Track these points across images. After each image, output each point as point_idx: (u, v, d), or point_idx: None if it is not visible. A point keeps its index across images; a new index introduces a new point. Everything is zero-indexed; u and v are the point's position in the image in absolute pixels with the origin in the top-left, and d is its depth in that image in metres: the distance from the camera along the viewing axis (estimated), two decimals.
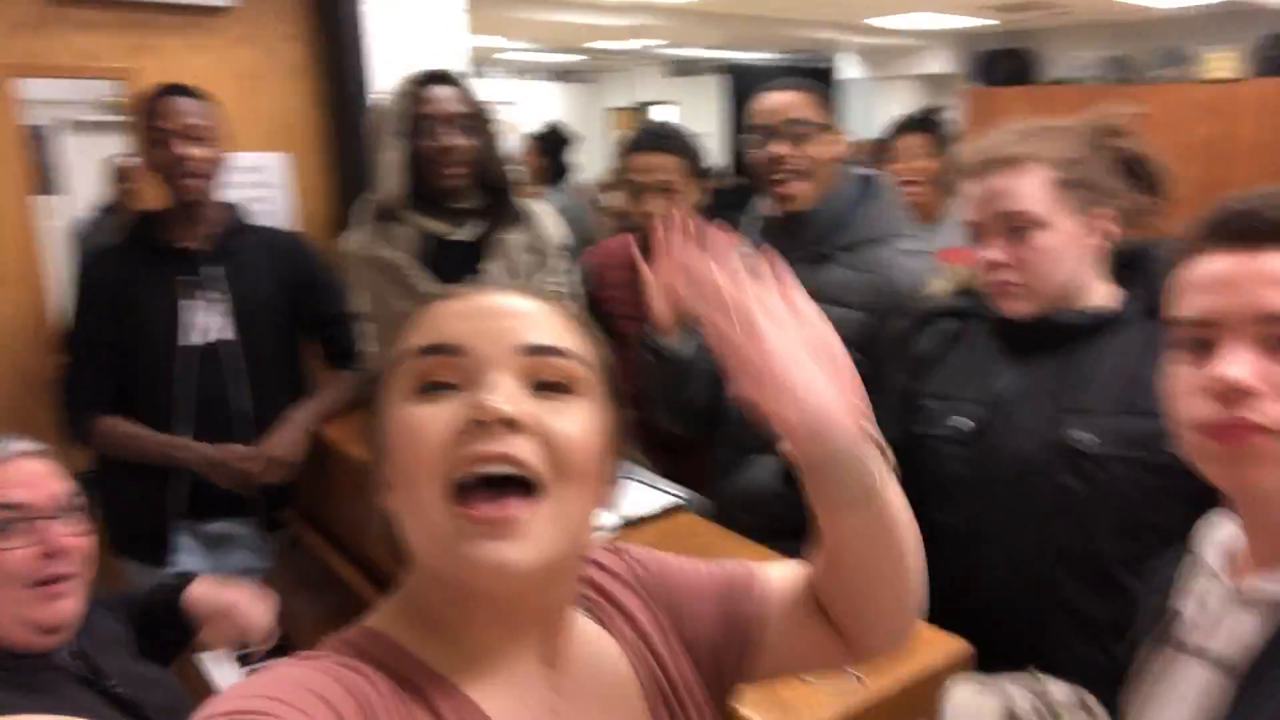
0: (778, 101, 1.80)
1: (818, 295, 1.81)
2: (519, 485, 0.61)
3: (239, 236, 2.14)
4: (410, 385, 0.65)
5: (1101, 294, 1.40)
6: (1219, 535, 0.92)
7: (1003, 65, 9.64)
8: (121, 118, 2.33)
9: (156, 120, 1.99)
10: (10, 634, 1.17)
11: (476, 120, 2.05)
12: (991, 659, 1.28)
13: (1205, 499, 0.91)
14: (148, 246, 2.05)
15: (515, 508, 0.60)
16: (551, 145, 4.68)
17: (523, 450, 0.61)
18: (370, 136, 2.07)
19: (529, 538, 0.61)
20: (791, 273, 1.84)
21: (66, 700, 1.14)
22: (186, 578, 1.55)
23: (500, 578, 0.61)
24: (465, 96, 2.04)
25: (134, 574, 2.10)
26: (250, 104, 2.44)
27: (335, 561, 1.95)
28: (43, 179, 3.89)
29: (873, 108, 11.16)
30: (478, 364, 0.64)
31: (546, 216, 2.19)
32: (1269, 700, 0.77)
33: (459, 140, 2.00)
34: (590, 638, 0.77)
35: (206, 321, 2.06)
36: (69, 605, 1.21)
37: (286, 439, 2.05)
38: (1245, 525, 0.86)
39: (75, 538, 1.22)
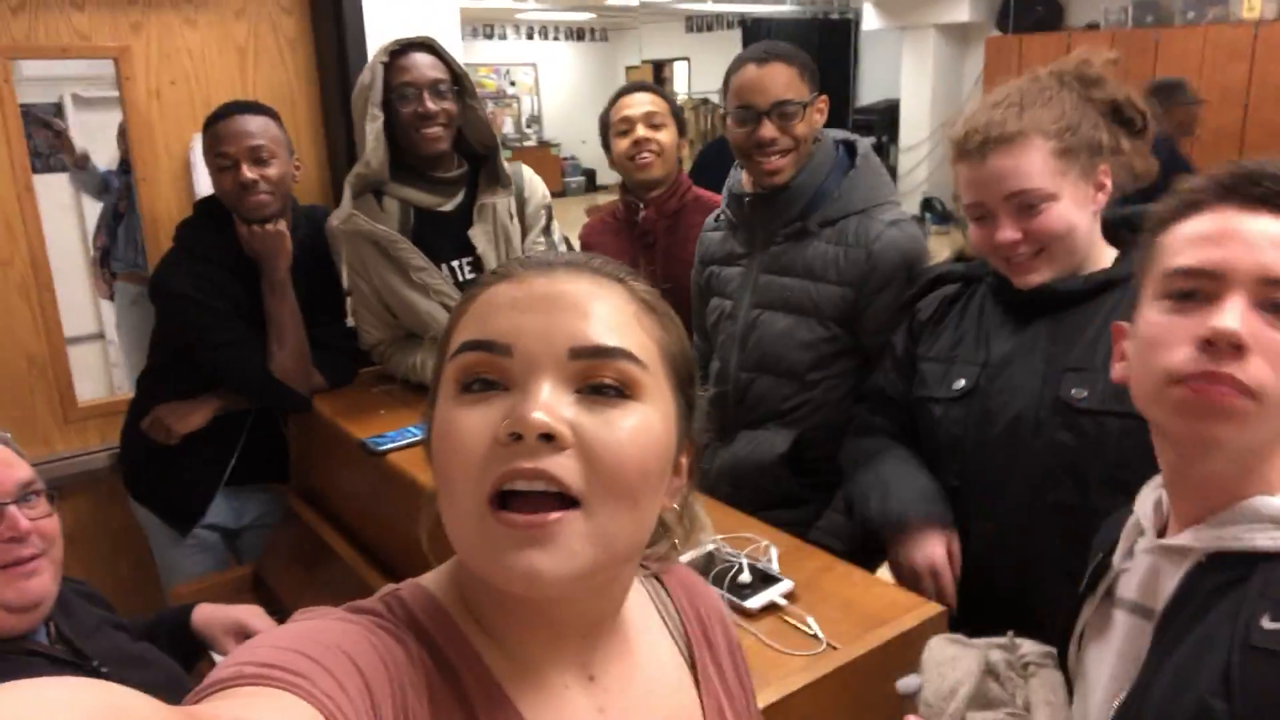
0: (764, 79, 1.73)
1: (800, 271, 1.82)
2: (559, 497, 0.58)
3: (303, 241, 2.15)
4: (457, 380, 0.62)
5: (1104, 255, 1.41)
6: (1156, 494, 0.95)
7: (1028, 12, 9.42)
8: (118, 93, 2.34)
9: (220, 145, 2.00)
10: None
11: (455, 85, 2.06)
12: (981, 613, 1.30)
13: None
14: (229, 266, 2.06)
15: (550, 516, 0.57)
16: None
17: (561, 468, 0.57)
18: (353, 109, 2.06)
19: (562, 548, 0.58)
20: (773, 248, 1.84)
21: None
22: (190, 606, 1.63)
23: (531, 586, 0.58)
24: (443, 62, 2.05)
25: (166, 530, 2.18)
26: (247, 78, 2.44)
27: (330, 537, 1.97)
28: (44, 157, 3.96)
29: (892, 59, 10.97)
30: (524, 366, 0.60)
31: (533, 178, 2.22)
32: (1178, 643, 0.81)
33: (437, 104, 2.01)
34: (661, 663, 0.74)
35: None
36: (38, 584, 1.23)
37: (176, 408, 2.10)
38: (1172, 484, 0.89)
39: (36, 521, 1.24)
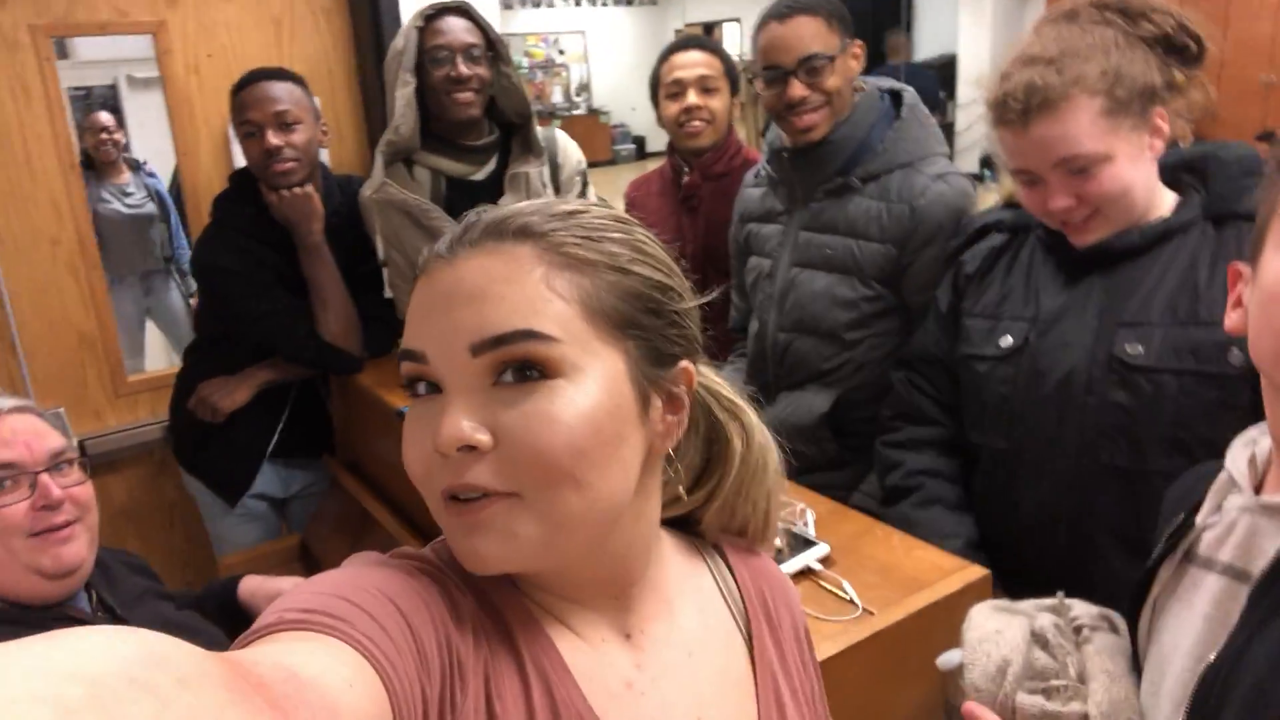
0: (787, 35, 1.65)
1: (841, 229, 1.76)
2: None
3: (338, 211, 2.14)
4: (405, 381, 0.63)
5: (1163, 202, 1.33)
6: (1250, 450, 0.87)
7: None
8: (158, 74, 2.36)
9: (246, 113, 1.98)
10: (20, 586, 1.22)
11: (490, 50, 2.03)
12: (1031, 579, 1.26)
13: (1259, 410, 0.84)
14: (262, 238, 2.06)
15: (489, 506, 0.59)
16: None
17: (484, 476, 0.58)
18: (385, 75, 2.05)
19: (499, 531, 0.59)
20: (814, 204, 1.78)
21: None
22: (237, 577, 1.65)
23: (479, 568, 0.60)
24: (478, 27, 2.01)
25: (206, 501, 2.22)
26: (283, 49, 2.44)
27: (373, 506, 1.98)
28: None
29: (949, 12, 10.65)
30: (440, 371, 0.60)
31: (568, 144, 2.18)
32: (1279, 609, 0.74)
33: (470, 69, 1.98)
34: (708, 628, 0.74)
35: None
36: (74, 549, 1.25)
37: (220, 385, 2.11)
38: None
39: (69, 489, 1.26)
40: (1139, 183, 1.29)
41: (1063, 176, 1.27)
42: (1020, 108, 1.26)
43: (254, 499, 2.21)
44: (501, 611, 0.63)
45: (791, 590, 0.82)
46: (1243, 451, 0.88)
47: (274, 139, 1.96)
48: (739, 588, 0.77)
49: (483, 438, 0.58)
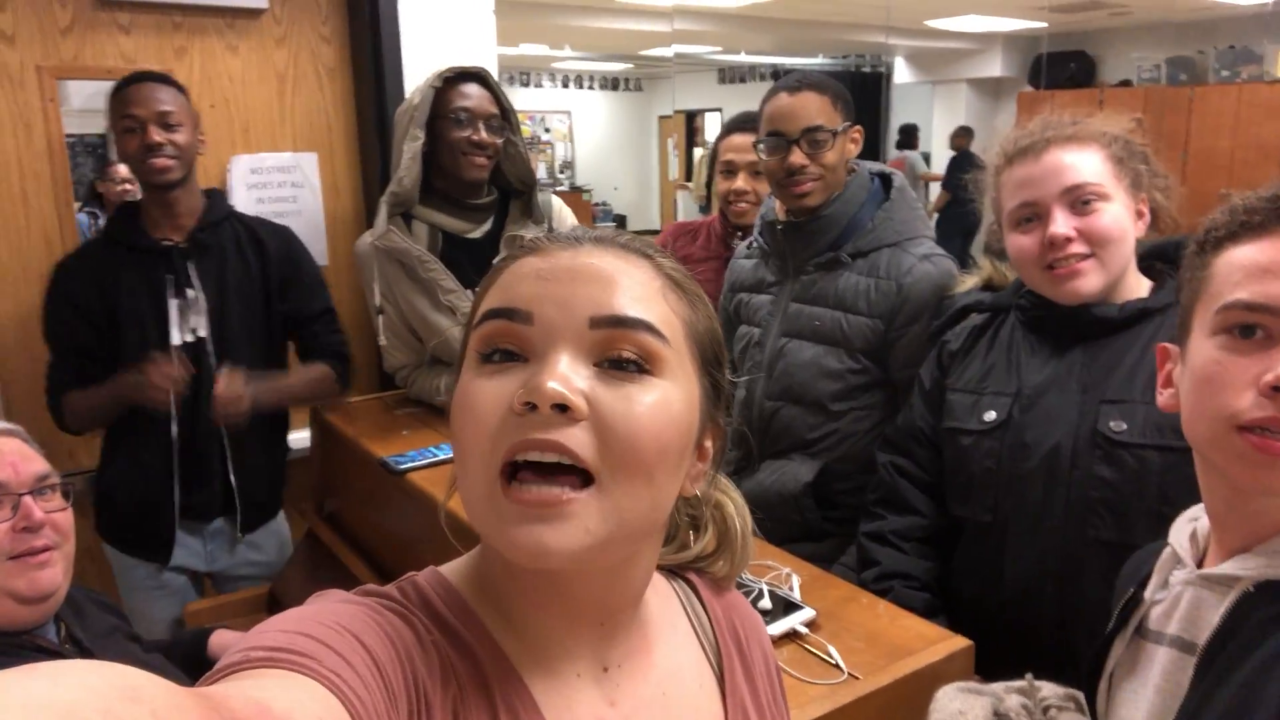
0: (795, 106, 1.74)
1: (830, 301, 1.81)
2: (572, 469, 0.57)
3: (216, 229, 2.08)
4: (479, 350, 0.61)
5: (1140, 285, 1.40)
6: (1192, 526, 0.91)
7: (1061, 68, 9.48)
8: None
9: (129, 108, 1.95)
10: None
11: (504, 120, 2.10)
12: (1016, 651, 1.25)
13: None
14: (125, 243, 2.02)
15: (560, 492, 0.56)
16: None
17: (574, 440, 0.56)
18: (394, 131, 2.10)
19: (571, 523, 0.56)
20: (805, 277, 1.83)
21: None
22: (208, 630, 1.61)
23: (537, 561, 0.57)
24: (494, 96, 2.08)
25: (135, 571, 2.11)
26: (285, 104, 2.49)
27: (349, 558, 1.95)
28: (85, 187, 4.06)
29: (924, 112, 11.04)
30: (544, 335, 0.59)
31: (562, 209, 2.25)
32: (1227, 675, 0.76)
33: (490, 137, 2.05)
34: (681, 665, 0.72)
35: (191, 319, 2.04)
36: (49, 575, 1.23)
37: (238, 383, 1.97)
38: (1218, 515, 0.86)
39: (50, 514, 1.24)
40: (1129, 242, 1.36)
41: (1066, 206, 1.34)
42: (1040, 136, 1.36)
43: (173, 572, 2.11)
44: (471, 648, 0.62)
45: (762, 626, 0.82)
46: (1185, 527, 0.92)
47: (156, 136, 1.94)
48: (711, 622, 0.77)
49: (581, 402, 0.57)
